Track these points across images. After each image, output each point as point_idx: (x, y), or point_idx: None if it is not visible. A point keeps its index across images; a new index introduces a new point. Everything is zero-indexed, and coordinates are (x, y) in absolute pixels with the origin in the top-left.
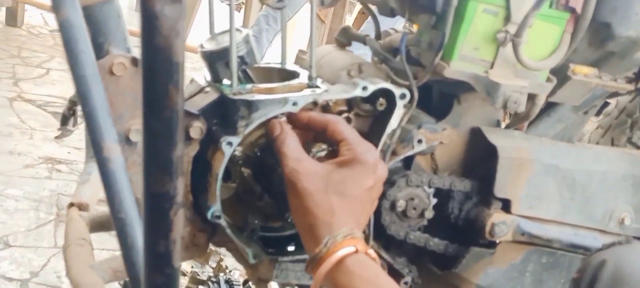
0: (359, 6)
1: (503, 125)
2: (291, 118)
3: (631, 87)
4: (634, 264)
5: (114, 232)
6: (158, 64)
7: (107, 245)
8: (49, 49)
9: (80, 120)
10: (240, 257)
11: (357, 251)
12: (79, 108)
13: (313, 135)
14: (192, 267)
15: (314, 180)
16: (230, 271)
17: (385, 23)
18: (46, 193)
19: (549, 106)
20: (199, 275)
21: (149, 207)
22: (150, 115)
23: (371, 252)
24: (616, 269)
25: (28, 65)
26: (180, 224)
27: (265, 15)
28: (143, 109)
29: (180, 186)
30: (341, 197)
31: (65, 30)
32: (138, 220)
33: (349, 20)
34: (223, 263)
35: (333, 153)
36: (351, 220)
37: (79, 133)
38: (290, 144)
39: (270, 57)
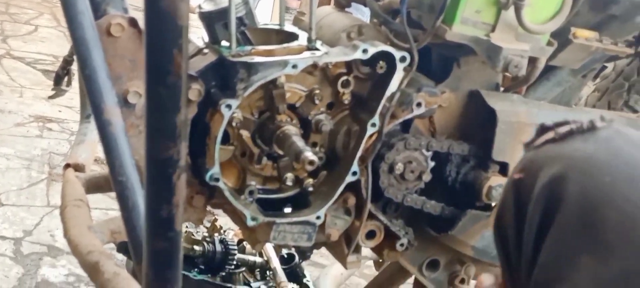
0: None
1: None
2: None
3: (631, 51)
4: (606, 175)
5: (108, 192)
6: (162, 28)
7: (100, 204)
8: (37, 5)
9: (74, 79)
10: (237, 219)
11: None
12: (73, 68)
13: None
14: (187, 227)
15: None
16: (224, 231)
17: None
18: (38, 152)
19: (548, 69)
20: (193, 235)
21: (152, 172)
22: (154, 80)
23: None
24: (584, 189)
25: (16, 21)
26: (183, 189)
27: None
28: (146, 74)
29: (184, 151)
30: None
31: None
32: (139, 183)
33: None
34: (217, 224)
35: None
36: None
37: (70, 91)
38: None
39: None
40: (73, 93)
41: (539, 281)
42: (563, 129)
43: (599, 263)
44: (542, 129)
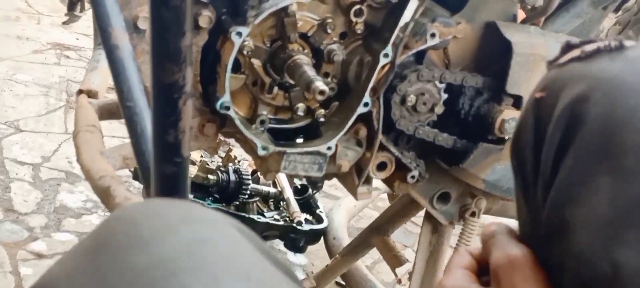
0: None
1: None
2: None
3: None
4: (630, 97)
5: (123, 120)
6: None
7: (117, 132)
8: None
9: (87, 5)
10: (249, 148)
11: None
12: None
13: None
14: (201, 156)
15: None
16: (239, 161)
17: None
18: (55, 79)
19: (568, 1)
20: (208, 164)
21: (158, 97)
22: (158, 3)
23: None
24: (606, 110)
25: None
26: (189, 114)
27: None
28: None
29: (189, 76)
30: None
31: None
32: (147, 108)
33: None
34: (232, 154)
35: None
36: None
37: (87, 19)
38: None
39: None
40: (90, 21)
41: (555, 203)
42: (589, 47)
43: (617, 187)
44: (568, 46)
